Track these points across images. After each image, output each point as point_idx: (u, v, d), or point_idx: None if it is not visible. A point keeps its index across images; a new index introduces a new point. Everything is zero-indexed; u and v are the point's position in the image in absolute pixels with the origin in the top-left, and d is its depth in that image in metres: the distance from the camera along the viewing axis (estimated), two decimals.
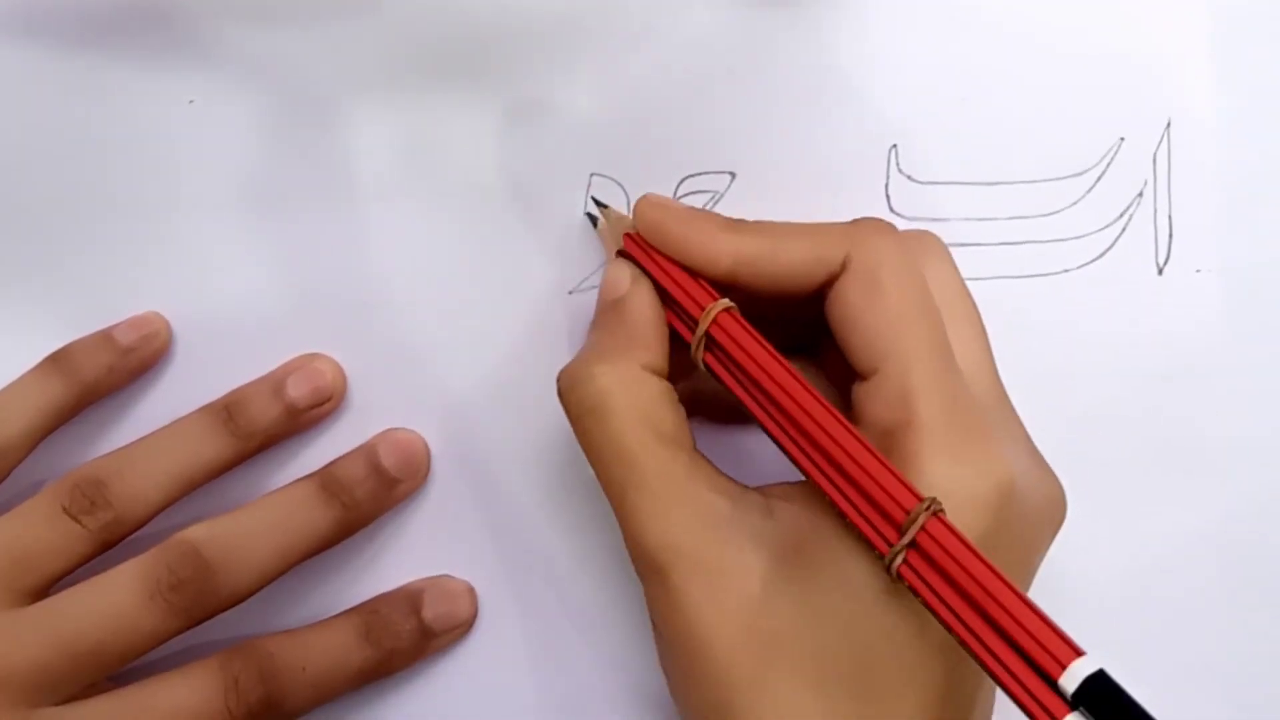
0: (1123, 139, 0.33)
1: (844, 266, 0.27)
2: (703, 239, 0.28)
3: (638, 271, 0.29)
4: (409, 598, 0.32)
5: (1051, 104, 0.33)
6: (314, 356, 0.32)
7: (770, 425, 0.26)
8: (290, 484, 0.31)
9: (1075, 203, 0.33)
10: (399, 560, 0.33)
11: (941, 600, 0.23)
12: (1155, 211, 0.33)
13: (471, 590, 0.33)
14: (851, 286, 0.26)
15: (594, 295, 0.33)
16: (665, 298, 0.28)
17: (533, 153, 0.33)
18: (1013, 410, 0.28)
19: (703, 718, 0.26)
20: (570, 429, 0.28)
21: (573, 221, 0.33)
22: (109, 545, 0.30)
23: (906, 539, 0.23)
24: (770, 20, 0.33)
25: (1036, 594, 0.32)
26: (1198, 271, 0.33)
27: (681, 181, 0.33)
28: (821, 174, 0.33)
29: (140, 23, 0.32)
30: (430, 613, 0.32)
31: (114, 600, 0.28)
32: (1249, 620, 0.33)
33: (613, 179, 0.33)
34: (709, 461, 0.27)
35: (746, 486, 0.27)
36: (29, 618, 0.28)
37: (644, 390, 0.27)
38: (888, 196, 0.33)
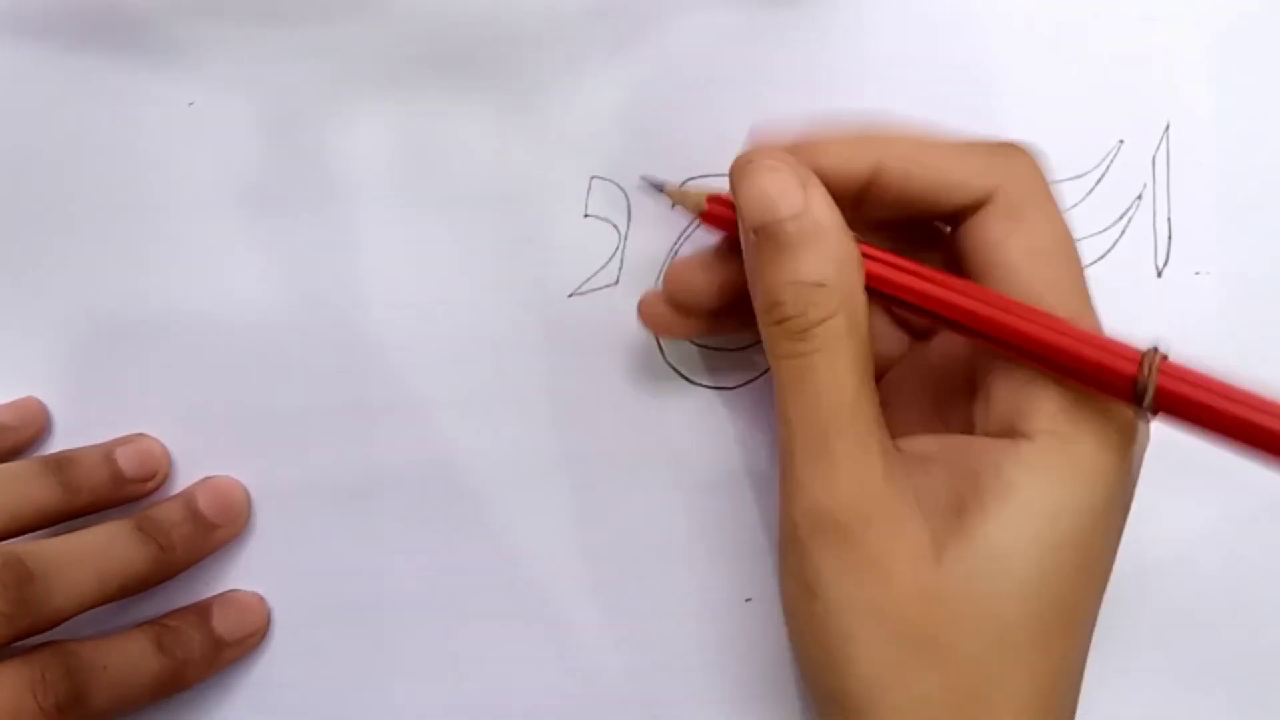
0: (1122, 141, 0.33)
1: (990, 196, 0.26)
2: (840, 140, 0.26)
3: (804, 173, 0.25)
4: (198, 611, 0.32)
5: (1050, 106, 0.33)
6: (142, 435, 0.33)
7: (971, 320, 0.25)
8: (109, 521, 0.31)
9: (1075, 205, 0.33)
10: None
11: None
12: (1154, 214, 0.33)
13: (262, 600, 0.33)
14: (995, 221, 0.26)
15: (594, 299, 0.33)
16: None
17: (533, 155, 0.33)
18: None
19: (874, 680, 0.25)
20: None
21: (573, 224, 0.33)
22: None
23: (1151, 383, 0.24)
24: (771, 22, 0.33)
25: None
26: (1197, 274, 0.33)
27: (683, 184, 0.33)
28: None
29: (140, 24, 0.32)
30: (220, 624, 0.32)
31: None
32: (1249, 623, 0.33)
33: (613, 181, 0.33)
34: None
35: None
36: None
37: (867, 318, 0.26)
38: None
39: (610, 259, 0.33)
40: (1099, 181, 0.33)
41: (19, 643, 0.28)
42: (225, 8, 0.32)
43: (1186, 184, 0.33)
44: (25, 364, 0.32)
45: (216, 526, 0.32)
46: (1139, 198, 0.33)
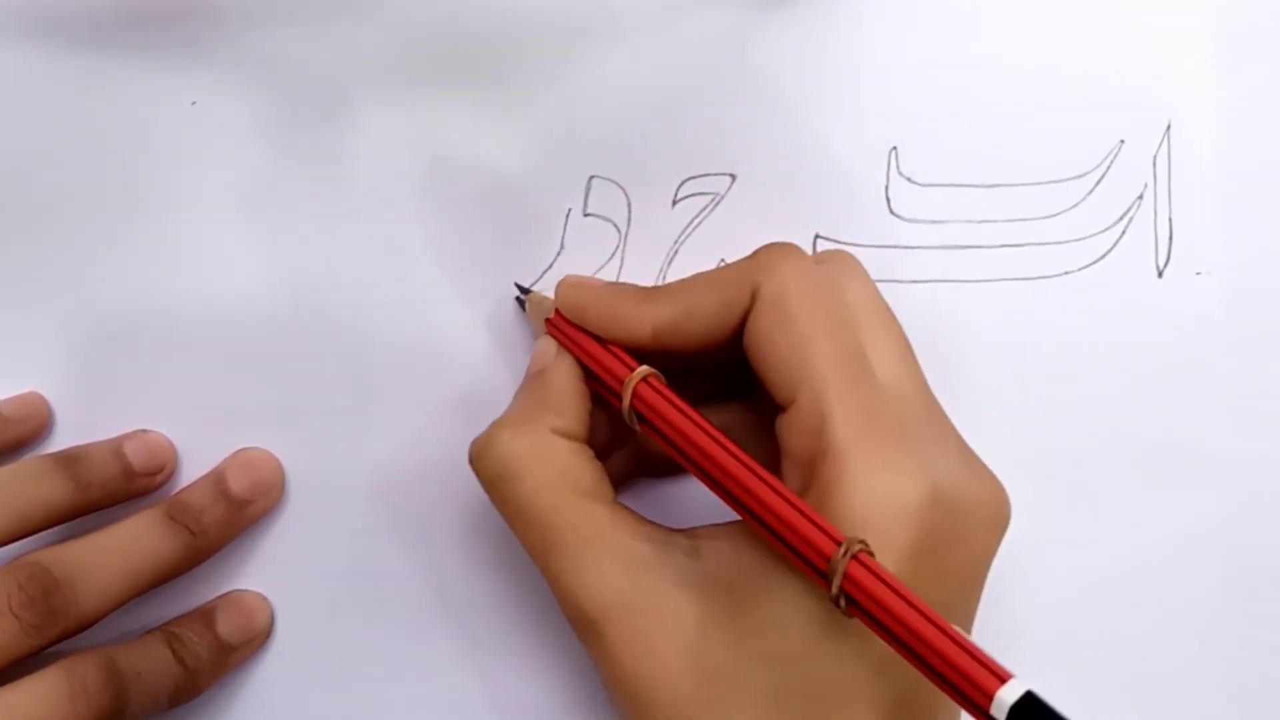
0: (1123, 141, 0.33)
1: (752, 300, 0.27)
2: (622, 314, 0.28)
3: (561, 347, 0.29)
4: (203, 616, 0.32)
5: (1052, 106, 0.33)
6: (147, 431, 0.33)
7: (703, 480, 0.27)
8: (138, 512, 0.31)
9: (1076, 205, 0.33)
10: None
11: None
12: (1155, 214, 0.33)
13: (265, 600, 0.33)
14: (760, 319, 0.27)
15: None
16: (591, 374, 0.29)
17: (533, 154, 0.33)
18: (943, 416, 0.28)
19: None
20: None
21: (573, 223, 0.33)
22: None
23: (836, 585, 0.24)
24: (772, 22, 0.33)
25: (1034, 595, 0.33)
26: (1198, 274, 0.33)
27: (682, 184, 0.33)
28: (822, 176, 0.33)
29: (142, 24, 0.32)
30: (225, 628, 0.32)
31: None
32: (1248, 624, 0.33)
33: (613, 180, 0.33)
34: (631, 510, 0.28)
35: (671, 530, 0.28)
36: None
37: (554, 450, 0.28)
38: (888, 199, 0.33)
39: (610, 259, 0.33)
40: (1100, 181, 0.33)
41: (53, 648, 0.28)
42: (227, 7, 0.32)
43: (1187, 184, 0.33)
44: (27, 361, 0.32)
45: (249, 503, 0.32)
46: (1140, 198, 0.33)
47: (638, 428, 0.28)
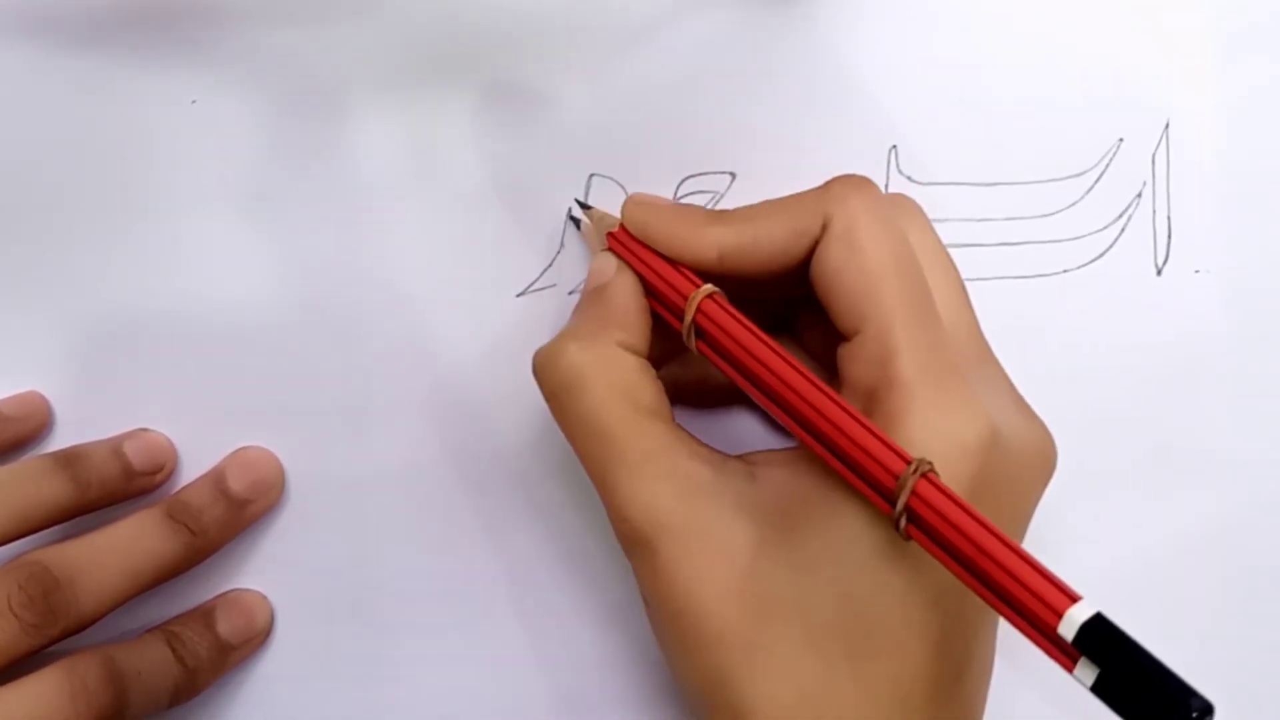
0: (1121, 140, 0.33)
1: (823, 230, 0.27)
2: (688, 234, 0.28)
3: (622, 263, 0.29)
4: (202, 616, 0.32)
5: (1051, 105, 0.33)
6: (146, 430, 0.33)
7: (763, 401, 0.26)
8: (138, 512, 0.31)
9: (1074, 203, 0.33)
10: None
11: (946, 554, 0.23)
12: (1154, 212, 0.33)
13: (265, 599, 0.33)
14: (830, 249, 0.27)
15: None
16: (651, 291, 0.29)
17: (533, 153, 0.33)
18: (995, 361, 0.28)
19: (699, 687, 0.26)
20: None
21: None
22: None
23: (901, 504, 0.23)
24: (771, 21, 0.33)
25: None
26: (1196, 272, 0.33)
27: (682, 182, 0.33)
28: (821, 175, 0.32)
29: (142, 23, 0.33)
30: (225, 628, 0.32)
31: None
32: (1248, 624, 0.33)
33: (612, 179, 0.33)
34: (689, 433, 0.28)
35: (728, 455, 0.28)
36: None
37: (618, 365, 0.27)
38: None
39: None
40: (1099, 180, 0.33)
41: (53, 648, 0.28)
42: (227, 7, 0.32)
43: (1186, 182, 0.33)
44: (27, 361, 0.32)
45: (249, 502, 0.32)
46: (1139, 196, 0.33)
47: (695, 346, 0.28)
